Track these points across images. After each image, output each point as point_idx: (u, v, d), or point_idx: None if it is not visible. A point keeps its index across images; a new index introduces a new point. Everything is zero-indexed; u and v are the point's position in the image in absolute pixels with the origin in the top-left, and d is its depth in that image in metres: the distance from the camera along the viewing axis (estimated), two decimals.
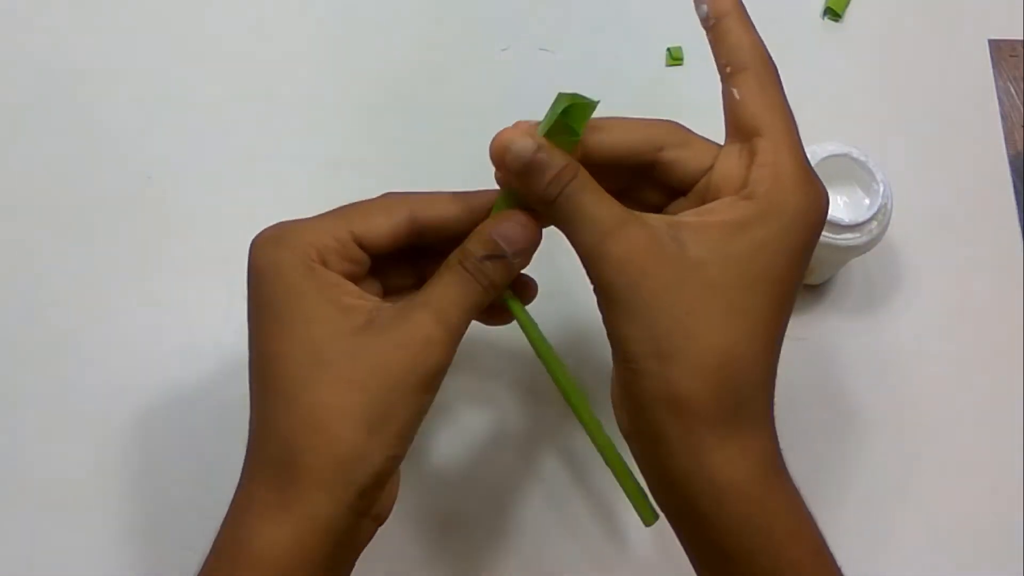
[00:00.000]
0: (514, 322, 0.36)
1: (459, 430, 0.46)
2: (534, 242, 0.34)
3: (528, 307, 0.36)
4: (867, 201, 0.44)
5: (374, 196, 0.36)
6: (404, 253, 0.35)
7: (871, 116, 0.54)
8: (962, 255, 0.50)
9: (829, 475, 0.46)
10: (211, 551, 0.32)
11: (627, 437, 0.34)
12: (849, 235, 0.43)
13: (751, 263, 0.31)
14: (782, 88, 0.33)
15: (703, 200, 0.33)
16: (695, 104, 0.54)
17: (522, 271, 0.35)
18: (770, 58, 0.33)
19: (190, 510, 0.44)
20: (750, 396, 0.31)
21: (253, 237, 0.33)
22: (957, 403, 0.47)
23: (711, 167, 0.33)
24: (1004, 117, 0.54)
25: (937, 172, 0.52)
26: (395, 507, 0.34)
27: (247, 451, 0.32)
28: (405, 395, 0.31)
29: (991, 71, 0.55)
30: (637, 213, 0.32)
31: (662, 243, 0.31)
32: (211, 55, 0.55)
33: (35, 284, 0.49)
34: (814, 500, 0.45)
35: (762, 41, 0.33)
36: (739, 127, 0.33)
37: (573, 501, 0.45)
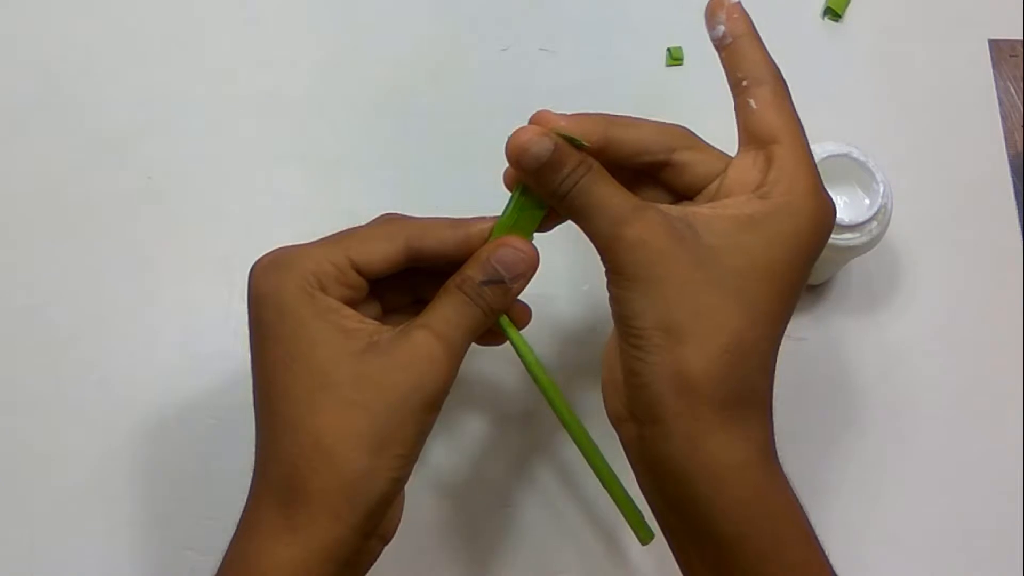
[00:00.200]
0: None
1: (456, 439, 0.46)
2: (532, 267, 0.35)
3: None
4: (867, 201, 0.44)
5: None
6: (401, 274, 0.35)
7: (871, 116, 0.54)
8: (962, 255, 0.50)
9: (829, 474, 0.46)
10: (220, 567, 0.32)
11: (619, 423, 0.34)
12: (849, 235, 0.43)
13: (762, 255, 0.32)
14: (793, 102, 0.35)
15: (710, 199, 0.34)
16: (695, 104, 0.54)
17: (517, 297, 0.36)
18: (781, 74, 0.35)
19: (190, 510, 0.44)
20: (754, 382, 0.32)
21: (252, 263, 0.34)
22: (957, 403, 0.47)
23: (721, 173, 0.35)
24: (1004, 117, 0.54)
25: (937, 172, 0.52)
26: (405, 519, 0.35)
27: (254, 472, 0.33)
28: (409, 416, 0.32)
29: (991, 71, 0.55)
30: (651, 203, 0.33)
31: (676, 229, 0.32)
32: (211, 55, 0.55)
33: (35, 284, 0.49)
34: (813, 498, 0.45)
35: (772, 58, 0.35)
36: (755, 135, 0.34)
37: (571, 511, 0.45)
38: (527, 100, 0.54)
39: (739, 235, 0.32)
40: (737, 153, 0.35)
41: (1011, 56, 0.56)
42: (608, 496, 0.37)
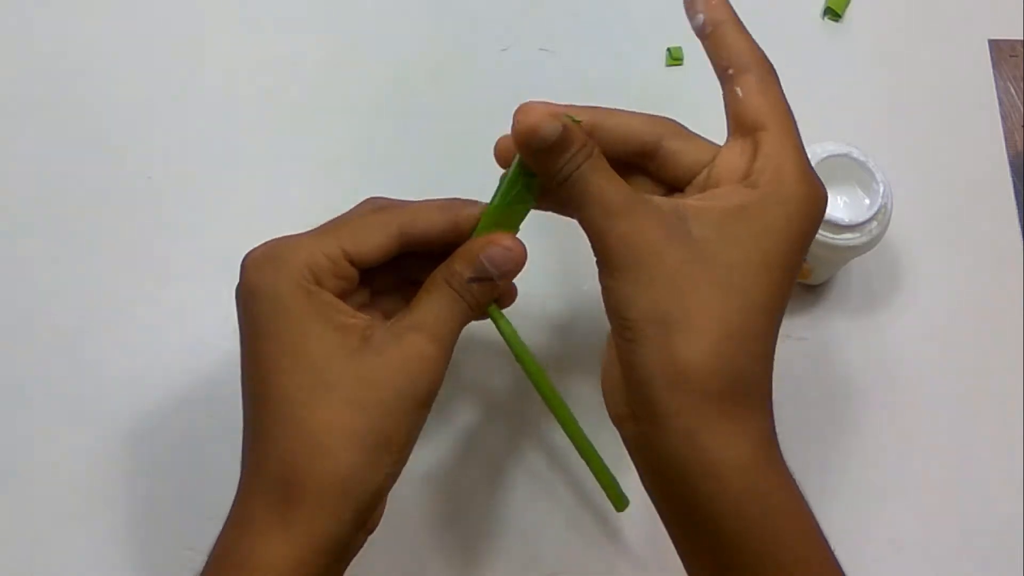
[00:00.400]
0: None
1: (443, 425, 0.46)
2: (519, 264, 0.35)
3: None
4: (867, 201, 0.44)
5: (369, 197, 0.36)
6: (390, 260, 0.36)
7: (871, 116, 0.54)
8: (962, 255, 0.50)
9: (829, 474, 0.46)
10: (208, 562, 0.32)
11: (620, 422, 0.34)
12: (849, 235, 0.43)
13: (753, 245, 0.31)
14: (781, 87, 0.34)
15: (699, 189, 0.34)
16: (695, 104, 0.54)
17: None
18: (768, 59, 0.34)
19: (190, 509, 0.44)
20: (751, 374, 0.32)
21: (244, 256, 0.34)
22: (957, 403, 0.47)
23: (709, 163, 0.34)
24: (1004, 117, 0.54)
25: (937, 172, 0.52)
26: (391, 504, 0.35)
27: (244, 467, 0.33)
28: (403, 415, 0.32)
29: (991, 71, 0.55)
30: (644, 195, 0.33)
31: (668, 222, 0.32)
32: (211, 55, 0.55)
33: (34, 284, 0.49)
34: (813, 498, 0.45)
35: (758, 44, 0.35)
36: (742, 123, 0.34)
37: (557, 489, 0.45)
38: (527, 100, 0.54)
39: (730, 226, 0.32)
40: (726, 142, 0.35)
41: (1011, 56, 0.56)
42: (588, 469, 0.39)
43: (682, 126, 0.36)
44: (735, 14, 0.35)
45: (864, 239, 0.44)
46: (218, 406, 0.47)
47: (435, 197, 0.37)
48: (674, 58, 0.55)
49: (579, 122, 0.33)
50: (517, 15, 0.57)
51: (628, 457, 0.34)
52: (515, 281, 0.37)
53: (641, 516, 0.40)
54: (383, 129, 0.53)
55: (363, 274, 0.35)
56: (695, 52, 0.55)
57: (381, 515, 0.35)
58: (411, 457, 0.33)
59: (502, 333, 0.37)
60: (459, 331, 0.35)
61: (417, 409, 0.33)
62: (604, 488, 0.40)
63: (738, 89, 0.34)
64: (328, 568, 0.31)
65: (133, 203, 0.51)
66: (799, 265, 0.33)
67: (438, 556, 0.44)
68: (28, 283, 0.49)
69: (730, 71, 0.34)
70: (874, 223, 0.44)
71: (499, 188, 0.36)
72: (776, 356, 0.47)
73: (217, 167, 0.52)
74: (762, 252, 0.32)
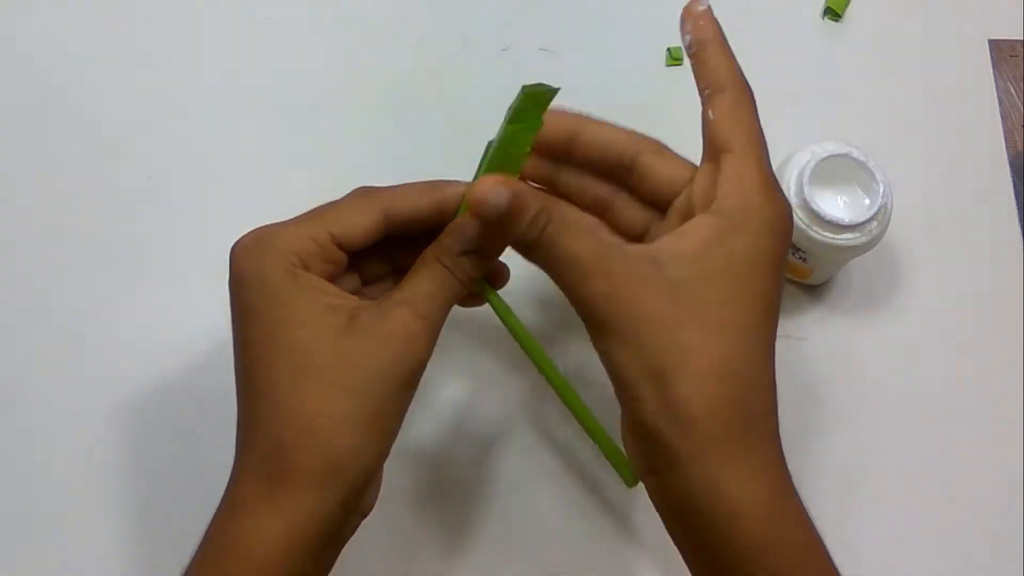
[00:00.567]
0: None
1: (437, 405, 0.46)
2: (505, 200, 0.34)
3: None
4: (867, 201, 0.44)
5: (359, 186, 0.36)
6: (378, 244, 0.36)
7: (871, 116, 0.54)
8: (962, 255, 0.50)
9: (828, 474, 0.45)
10: (201, 543, 0.32)
11: (645, 476, 0.34)
12: (849, 235, 0.43)
13: (729, 277, 0.32)
14: (755, 109, 0.34)
15: (677, 220, 0.34)
16: (695, 104, 0.54)
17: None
18: (746, 82, 0.35)
19: (188, 507, 0.44)
20: (756, 410, 0.32)
21: (233, 243, 0.34)
22: (957, 403, 0.47)
23: (687, 181, 0.35)
24: (1004, 117, 0.54)
25: (937, 172, 0.52)
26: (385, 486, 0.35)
27: (237, 449, 0.33)
28: (391, 393, 0.32)
29: (991, 71, 0.55)
30: (616, 243, 0.33)
31: (643, 272, 0.32)
32: (211, 55, 0.55)
33: (34, 284, 0.49)
34: (812, 499, 0.45)
35: (740, 67, 0.35)
36: (712, 145, 0.34)
37: (558, 469, 0.46)
38: None
39: (702, 263, 0.32)
40: (699, 166, 0.35)
41: (1011, 56, 0.56)
42: (594, 446, 0.39)
43: (663, 145, 0.36)
44: (721, 35, 0.35)
45: (864, 239, 0.44)
46: (218, 405, 0.46)
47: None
48: (674, 58, 0.55)
49: (553, 89, 0.34)
50: (517, 15, 0.57)
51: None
52: (508, 262, 0.37)
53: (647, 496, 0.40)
54: (383, 129, 0.53)
55: (354, 262, 0.36)
56: None
57: (375, 498, 0.35)
58: (405, 438, 0.34)
59: (498, 313, 0.37)
60: (447, 308, 0.35)
61: (404, 386, 0.33)
62: (614, 463, 0.39)
63: (710, 111, 0.34)
64: (319, 549, 0.32)
65: (133, 203, 0.51)
66: (779, 284, 0.33)
67: (431, 538, 0.44)
68: (28, 283, 0.49)
69: (707, 92, 0.35)
70: (874, 223, 0.44)
71: (478, 169, 0.37)
72: (776, 356, 0.47)
73: (217, 167, 0.52)
74: (739, 282, 0.32)
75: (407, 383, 0.33)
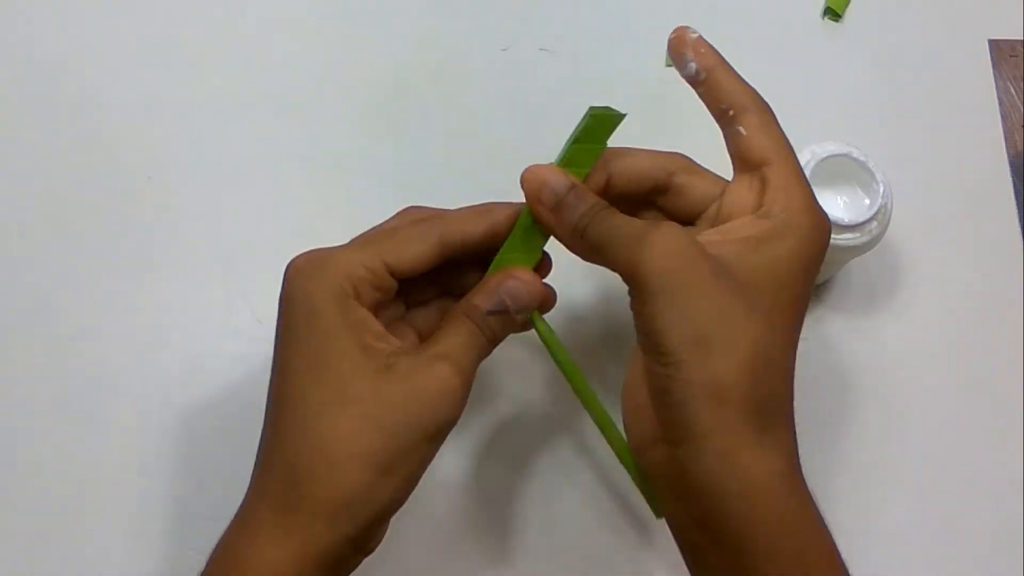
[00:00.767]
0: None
1: (474, 423, 0.46)
2: (537, 299, 0.36)
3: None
4: (867, 201, 0.44)
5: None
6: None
7: (871, 116, 0.54)
8: (962, 255, 0.50)
9: (828, 474, 0.46)
10: (209, 562, 0.32)
11: (646, 449, 0.34)
12: (849, 235, 0.43)
13: (770, 272, 0.33)
14: (779, 123, 0.36)
15: (712, 223, 0.36)
16: (695, 104, 0.54)
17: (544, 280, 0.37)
18: (762, 98, 0.36)
19: (191, 510, 0.44)
20: (780, 392, 0.33)
21: (289, 261, 0.34)
22: (957, 403, 0.47)
23: (718, 196, 0.36)
24: (1004, 117, 0.54)
25: (937, 172, 0.52)
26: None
27: (256, 469, 0.33)
28: (418, 443, 0.32)
29: (991, 71, 0.55)
30: (664, 221, 0.34)
31: (695, 248, 0.33)
32: (211, 56, 0.55)
33: (35, 284, 0.49)
34: (814, 496, 0.45)
35: (750, 84, 0.36)
36: (747, 160, 0.35)
37: (591, 491, 0.45)
38: (527, 100, 0.54)
39: (748, 256, 0.33)
40: (733, 179, 0.36)
41: (1011, 56, 0.56)
42: (624, 473, 0.38)
43: (690, 159, 0.37)
44: (723, 57, 0.37)
45: (864, 239, 0.44)
46: (218, 406, 0.47)
47: (436, 197, 0.37)
48: None
49: (621, 115, 0.35)
50: (517, 15, 0.57)
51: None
52: (555, 284, 0.38)
53: None
54: (383, 129, 0.53)
55: (400, 285, 0.35)
56: None
57: (381, 539, 0.35)
58: (439, 454, 0.34)
59: (541, 336, 0.37)
60: (478, 363, 0.35)
61: (432, 439, 0.33)
62: (644, 495, 0.38)
63: (741, 128, 0.35)
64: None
65: (133, 203, 0.51)
66: (810, 289, 0.35)
67: (465, 553, 0.44)
68: (28, 283, 0.49)
69: (730, 112, 0.36)
70: (874, 223, 0.44)
71: (524, 208, 0.36)
72: None
73: (217, 167, 0.52)
74: (780, 281, 0.33)
75: (435, 436, 0.33)
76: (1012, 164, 0.53)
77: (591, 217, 0.34)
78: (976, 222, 0.51)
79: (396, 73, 0.55)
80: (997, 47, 0.56)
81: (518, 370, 0.47)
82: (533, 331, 0.37)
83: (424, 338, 0.37)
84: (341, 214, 0.38)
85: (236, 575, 0.31)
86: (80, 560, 0.44)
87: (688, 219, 0.37)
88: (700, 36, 0.37)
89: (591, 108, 0.35)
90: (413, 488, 0.33)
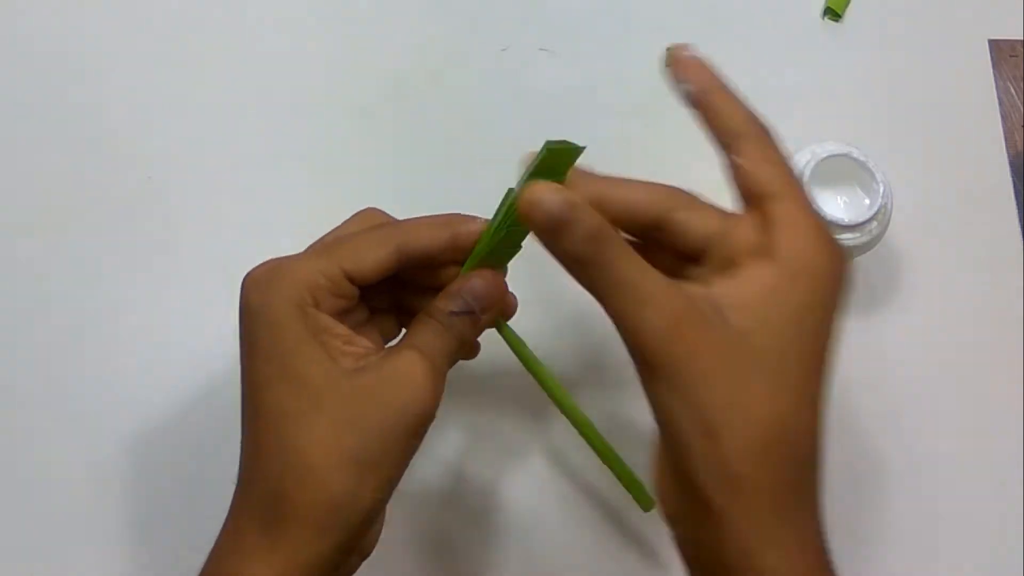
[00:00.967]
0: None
1: (449, 428, 0.46)
2: (499, 298, 0.36)
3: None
4: (867, 201, 0.44)
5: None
6: (387, 279, 0.36)
7: (871, 116, 0.54)
8: (962, 255, 0.50)
9: (828, 474, 0.45)
10: None
11: (672, 521, 0.32)
12: (849, 235, 0.43)
13: (792, 329, 0.30)
14: (782, 149, 0.33)
15: (720, 267, 0.32)
16: None
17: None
18: (764, 122, 0.33)
19: (190, 511, 0.44)
20: (804, 474, 0.30)
21: (245, 275, 0.34)
22: (957, 403, 0.47)
23: (720, 231, 0.33)
24: (1004, 117, 0.54)
25: (937, 172, 0.52)
26: (386, 529, 0.35)
27: (237, 486, 0.33)
28: (396, 439, 0.32)
29: (991, 71, 0.55)
30: (677, 283, 0.31)
31: (704, 313, 0.30)
32: (211, 56, 0.55)
33: (34, 285, 0.49)
34: None
35: (753, 109, 0.33)
36: (750, 193, 0.32)
37: (569, 493, 0.45)
38: (527, 100, 0.54)
39: (766, 312, 0.30)
40: (738, 213, 0.33)
41: (1011, 56, 0.56)
42: (608, 472, 0.38)
43: (687, 192, 0.34)
44: (721, 79, 0.34)
45: (864, 239, 0.44)
46: (218, 407, 0.47)
47: (435, 197, 0.37)
48: None
49: (579, 148, 0.33)
50: (517, 15, 0.57)
51: (647, 460, 0.33)
52: (518, 292, 0.37)
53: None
54: (383, 129, 0.53)
55: (363, 291, 0.35)
56: None
57: (376, 540, 0.35)
58: (417, 477, 0.33)
59: (509, 342, 0.38)
60: (448, 360, 0.35)
61: (410, 434, 0.32)
62: (629, 488, 0.39)
63: (739, 159, 0.32)
64: None
65: (133, 204, 0.51)
66: (835, 341, 0.32)
67: (447, 561, 0.44)
68: (28, 284, 0.49)
69: (728, 140, 0.33)
70: (874, 223, 0.44)
71: (491, 224, 0.36)
72: None
73: (217, 168, 0.52)
74: (800, 331, 0.30)
75: (413, 431, 0.33)
76: (1012, 164, 0.53)
77: (592, 249, 0.30)
78: (976, 222, 0.51)
79: (396, 73, 0.55)
80: (997, 47, 0.56)
81: (494, 378, 0.47)
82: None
83: (388, 342, 0.37)
84: (341, 214, 0.38)
85: None
86: (78, 561, 0.44)
87: (688, 254, 0.33)
88: (695, 55, 0.34)
89: (547, 142, 0.32)
90: (395, 485, 0.33)
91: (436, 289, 0.36)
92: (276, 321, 0.32)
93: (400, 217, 0.37)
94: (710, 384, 0.29)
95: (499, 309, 0.37)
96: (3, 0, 0.57)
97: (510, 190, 0.36)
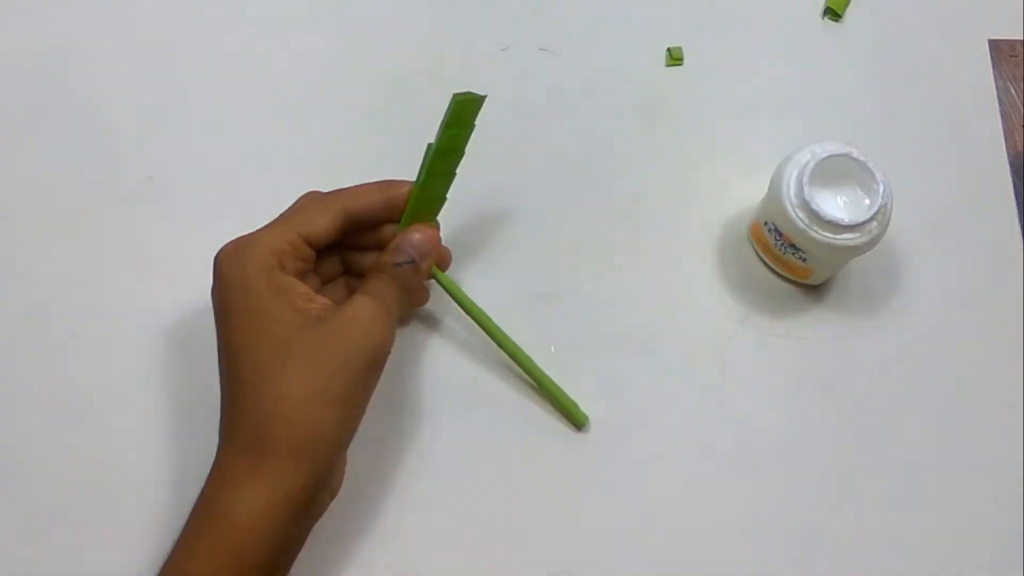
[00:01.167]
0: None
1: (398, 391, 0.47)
2: (435, 249, 0.43)
3: None
4: (867, 201, 0.44)
5: (308, 191, 0.43)
6: (334, 247, 0.43)
7: (871, 116, 0.54)
8: (962, 255, 0.50)
9: (828, 474, 0.46)
10: (192, 513, 0.36)
11: None
12: (849, 235, 0.43)
13: None
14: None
15: None
16: (695, 104, 0.54)
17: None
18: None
19: (188, 510, 0.44)
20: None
21: (218, 251, 0.39)
22: (957, 403, 0.47)
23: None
24: (1004, 117, 0.54)
25: (937, 172, 0.52)
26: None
27: (222, 431, 0.37)
28: (357, 375, 0.38)
29: (991, 71, 0.55)
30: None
31: None
32: (212, 56, 0.55)
33: (35, 284, 0.49)
34: (814, 500, 0.45)
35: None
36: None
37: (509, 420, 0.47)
38: (527, 100, 0.54)
39: None
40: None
41: (1011, 56, 0.56)
42: (543, 398, 0.45)
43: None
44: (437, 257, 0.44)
45: (864, 239, 0.44)
46: (217, 406, 0.46)
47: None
48: (674, 58, 0.55)
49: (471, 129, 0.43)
50: (517, 15, 0.57)
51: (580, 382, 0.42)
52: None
53: (600, 430, 0.46)
54: (383, 129, 0.53)
55: (316, 259, 0.42)
56: (695, 52, 0.55)
57: (342, 479, 0.40)
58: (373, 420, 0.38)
59: (445, 288, 0.44)
60: (397, 306, 0.41)
61: (370, 367, 0.38)
62: (564, 410, 0.45)
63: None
64: (295, 520, 0.36)
65: (133, 203, 0.51)
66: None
67: (408, 509, 0.44)
68: (28, 283, 0.49)
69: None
70: (874, 223, 0.44)
71: (416, 183, 0.43)
72: (776, 355, 0.47)
73: (217, 167, 0.52)
74: None
75: (373, 364, 0.38)
76: (1012, 164, 0.53)
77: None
78: (976, 222, 0.51)
79: (396, 73, 0.55)
80: (997, 47, 0.56)
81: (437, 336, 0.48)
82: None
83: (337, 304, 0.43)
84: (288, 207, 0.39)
85: (219, 523, 0.35)
86: (79, 560, 0.44)
87: None
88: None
89: (455, 95, 0.41)
90: (362, 415, 0.38)
91: (377, 248, 0.43)
92: (248, 285, 0.38)
93: None
94: None
95: (436, 257, 0.43)
96: (3, 0, 0.57)
97: (429, 145, 0.42)
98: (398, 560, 0.44)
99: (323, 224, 0.40)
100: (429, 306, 0.49)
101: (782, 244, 0.46)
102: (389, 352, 0.39)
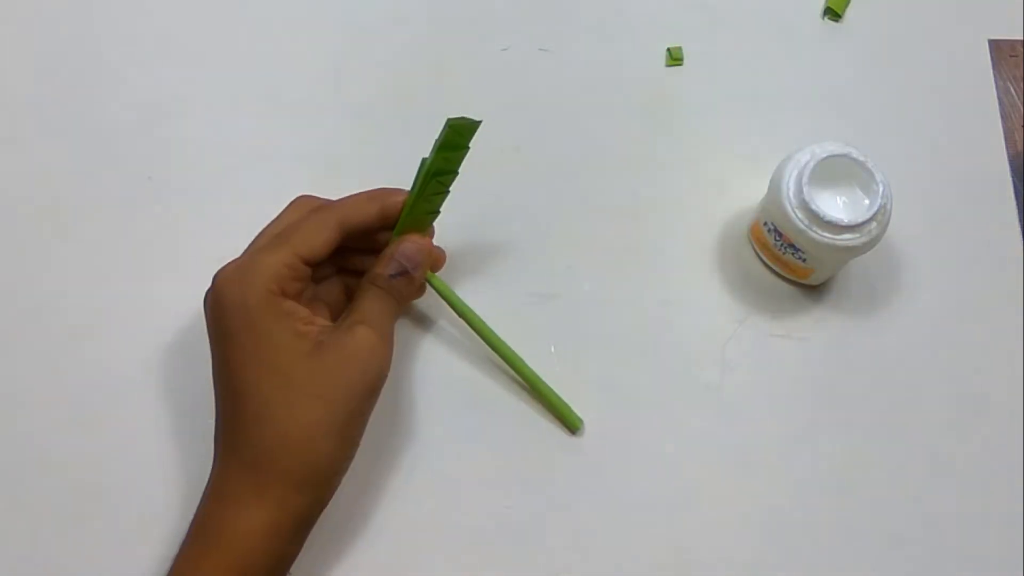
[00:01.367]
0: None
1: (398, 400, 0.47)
2: (429, 256, 0.43)
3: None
4: (867, 201, 0.44)
5: (300, 196, 0.43)
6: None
7: (871, 116, 0.54)
8: (962, 255, 0.50)
9: (828, 474, 0.46)
10: (190, 530, 0.37)
11: None
12: (849, 235, 0.43)
13: None
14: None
15: None
16: (695, 104, 0.54)
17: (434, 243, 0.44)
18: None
19: (190, 510, 0.44)
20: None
21: (217, 272, 0.39)
22: (957, 403, 0.47)
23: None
24: (1004, 117, 0.54)
25: (937, 172, 0.52)
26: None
27: (220, 450, 0.38)
28: (358, 404, 0.38)
29: (991, 71, 0.55)
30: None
31: None
32: (211, 56, 0.55)
33: (35, 284, 0.49)
34: (815, 499, 0.45)
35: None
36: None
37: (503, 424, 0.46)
38: (527, 100, 0.54)
39: None
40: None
41: (1011, 56, 0.56)
42: (537, 401, 0.45)
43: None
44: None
45: (864, 239, 0.44)
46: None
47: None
48: (674, 58, 0.55)
49: (466, 151, 0.43)
50: (517, 15, 0.57)
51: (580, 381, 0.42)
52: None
53: (593, 432, 0.46)
54: (383, 129, 0.53)
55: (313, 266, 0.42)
56: (695, 52, 0.55)
57: (333, 493, 0.40)
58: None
59: (439, 291, 0.44)
60: (393, 321, 0.41)
61: (368, 395, 0.39)
62: (558, 413, 0.45)
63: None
64: (298, 534, 0.38)
65: (133, 203, 0.51)
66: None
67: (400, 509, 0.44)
68: (28, 283, 0.49)
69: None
70: (874, 223, 0.44)
71: (410, 195, 0.42)
72: (776, 355, 0.47)
73: (217, 167, 0.52)
74: None
75: (370, 392, 0.39)
76: (1012, 164, 0.53)
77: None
78: (976, 222, 0.51)
79: (396, 73, 0.55)
80: (997, 47, 0.56)
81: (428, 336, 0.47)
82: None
83: (332, 307, 0.44)
84: (279, 217, 0.39)
85: (221, 540, 0.36)
86: (79, 560, 0.44)
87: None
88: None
89: (448, 119, 0.41)
90: (359, 441, 0.39)
91: (372, 250, 0.43)
92: (247, 312, 0.38)
93: None
94: None
95: (429, 264, 0.43)
96: (4, 1, 0.57)
97: (423, 159, 0.42)
98: (393, 562, 0.44)
99: (322, 241, 0.40)
100: (424, 308, 0.49)
101: (782, 244, 0.46)
102: (388, 374, 0.40)
